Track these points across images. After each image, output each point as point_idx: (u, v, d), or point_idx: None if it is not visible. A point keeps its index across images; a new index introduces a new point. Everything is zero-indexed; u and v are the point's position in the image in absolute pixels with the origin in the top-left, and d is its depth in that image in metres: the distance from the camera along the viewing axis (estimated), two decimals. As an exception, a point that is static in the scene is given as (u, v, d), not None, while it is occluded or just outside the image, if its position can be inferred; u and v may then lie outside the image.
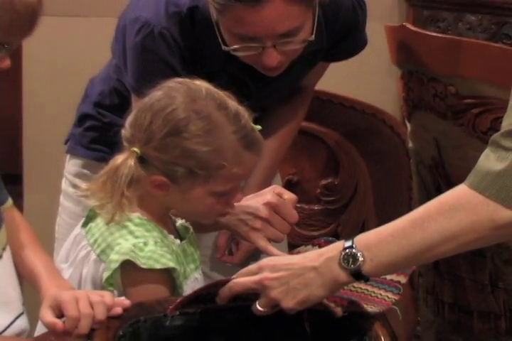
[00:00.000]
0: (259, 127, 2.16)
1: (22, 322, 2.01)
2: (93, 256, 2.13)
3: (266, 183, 2.63)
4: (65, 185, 2.74)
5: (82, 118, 2.74)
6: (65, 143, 2.79)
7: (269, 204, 2.31)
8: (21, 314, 2.02)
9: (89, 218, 2.19)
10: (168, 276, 2.09)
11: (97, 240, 2.13)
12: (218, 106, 2.09)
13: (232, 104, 2.11)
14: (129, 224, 2.10)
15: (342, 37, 2.64)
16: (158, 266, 2.06)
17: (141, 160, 2.06)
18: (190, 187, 2.10)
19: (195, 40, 2.49)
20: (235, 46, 2.38)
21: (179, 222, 2.25)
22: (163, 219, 2.17)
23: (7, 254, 2.02)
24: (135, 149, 2.06)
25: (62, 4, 3.64)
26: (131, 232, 2.10)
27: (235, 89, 2.31)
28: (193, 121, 2.05)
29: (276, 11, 2.29)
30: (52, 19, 3.55)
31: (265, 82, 2.57)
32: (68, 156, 2.76)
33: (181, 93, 2.09)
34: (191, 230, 2.25)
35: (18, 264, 2.06)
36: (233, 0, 2.28)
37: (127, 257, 2.05)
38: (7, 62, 1.89)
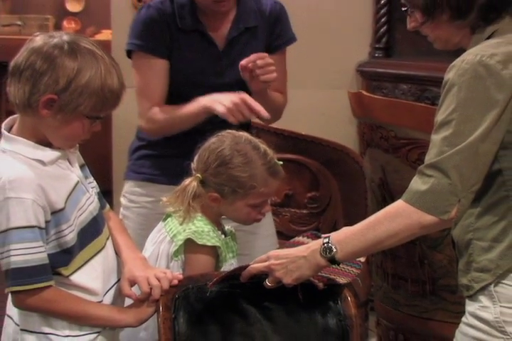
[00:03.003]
0: (281, 162, 2.15)
1: (118, 286, 1.99)
2: (168, 238, 2.13)
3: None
4: (123, 201, 2.61)
5: (133, 152, 2.60)
6: (124, 178, 2.65)
7: None
8: (119, 280, 1.99)
9: (168, 216, 2.19)
10: (214, 252, 2.10)
11: (171, 228, 2.13)
12: (253, 147, 2.11)
13: (263, 146, 2.14)
14: (196, 222, 2.11)
15: (274, 21, 2.51)
16: (209, 244, 2.08)
17: (202, 182, 2.10)
18: (234, 201, 2.11)
19: (176, 14, 2.42)
20: None
21: (227, 227, 2.23)
22: (216, 222, 2.16)
23: (109, 242, 2.00)
24: (198, 175, 2.11)
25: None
26: (193, 224, 2.10)
27: (204, 50, 2.34)
28: (235, 156, 2.08)
29: None
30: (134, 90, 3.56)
31: (228, 47, 2.45)
32: (125, 182, 2.63)
33: (228, 138, 2.12)
34: (234, 231, 2.24)
35: None
36: None
37: (189, 236, 2.07)
38: (99, 127, 1.88)
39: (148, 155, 2.54)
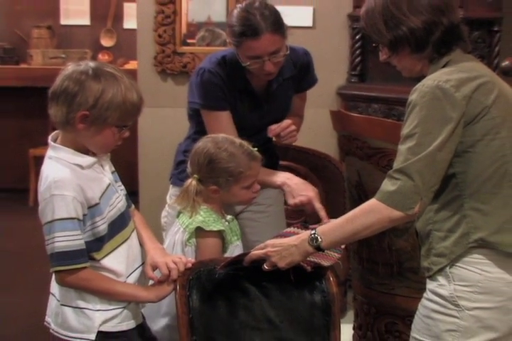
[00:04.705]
0: (255, 149, 2.16)
1: (141, 270, 1.98)
2: (181, 229, 2.12)
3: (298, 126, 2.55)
4: (170, 201, 2.60)
5: (178, 164, 2.59)
6: (170, 179, 2.64)
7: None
8: (142, 264, 1.99)
9: (179, 212, 2.19)
10: (220, 235, 2.11)
11: (183, 221, 2.13)
12: (230, 143, 2.13)
13: (238, 140, 2.15)
14: (201, 212, 2.11)
15: (304, 69, 2.53)
16: (215, 229, 2.08)
17: (199, 180, 2.10)
18: (230, 188, 2.12)
19: (228, 74, 2.41)
20: (248, 63, 2.32)
21: (228, 216, 2.22)
22: (219, 211, 2.16)
23: (134, 234, 1.99)
24: (195, 176, 2.11)
25: (162, 99, 3.62)
26: (201, 215, 2.10)
27: (249, 101, 2.37)
28: (219, 153, 2.10)
29: (267, 39, 2.26)
30: (155, 109, 3.55)
31: (267, 98, 2.47)
32: (171, 186, 2.62)
33: (209, 141, 2.15)
34: (234, 219, 2.23)
35: None
36: (244, 37, 2.27)
37: (199, 225, 2.08)
38: (127, 134, 1.88)
39: None
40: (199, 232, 2.08)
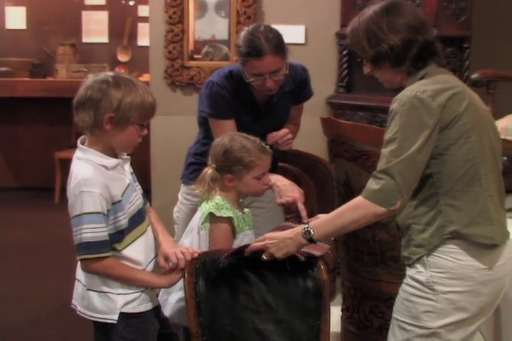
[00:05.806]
0: (267, 146, 2.17)
1: (155, 260, 1.98)
2: (199, 215, 2.12)
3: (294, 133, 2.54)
4: (181, 198, 2.60)
5: (188, 165, 2.60)
6: (181, 179, 2.63)
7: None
8: (156, 255, 1.98)
9: (201, 202, 2.17)
10: (230, 221, 2.09)
11: (201, 208, 2.12)
12: (244, 138, 2.13)
13: (251, 136, 2.14)
14: (216, 200, 2.10)
15: (302, 84, 2.54)
16: (224, 215, 2.07)
17: (216, 169, 2.10)
18: (242, 176, 2.10)
19: (234, 87, 2.42)
20: (252, 79, 2.33)
21: (245, 209, 2.20)
22: (235, 201, 2.15)
23: (149, 228, 1.99)
24: (213, 165, 2.11)
25: (171, 108, 3.61)
26: (215, 202, 2.10)
27: (252, 111, 2.36)
28: (233, 144, 2.10)
29: (269, 60, 2.28)
30: (166, 117, 3.53)
31: (268, 108, 2.48)
32: (182, 185, 2.61)
33: (226, 137, 2.14)
34: (249, 212, 2.21)
35: None
36: (248, 57, 2.28)
37: (211, 210, 2.07)
38: (146, 132, 1.90)
39: (201, 170, 2.52)
40: (211, 217, 2.08)
